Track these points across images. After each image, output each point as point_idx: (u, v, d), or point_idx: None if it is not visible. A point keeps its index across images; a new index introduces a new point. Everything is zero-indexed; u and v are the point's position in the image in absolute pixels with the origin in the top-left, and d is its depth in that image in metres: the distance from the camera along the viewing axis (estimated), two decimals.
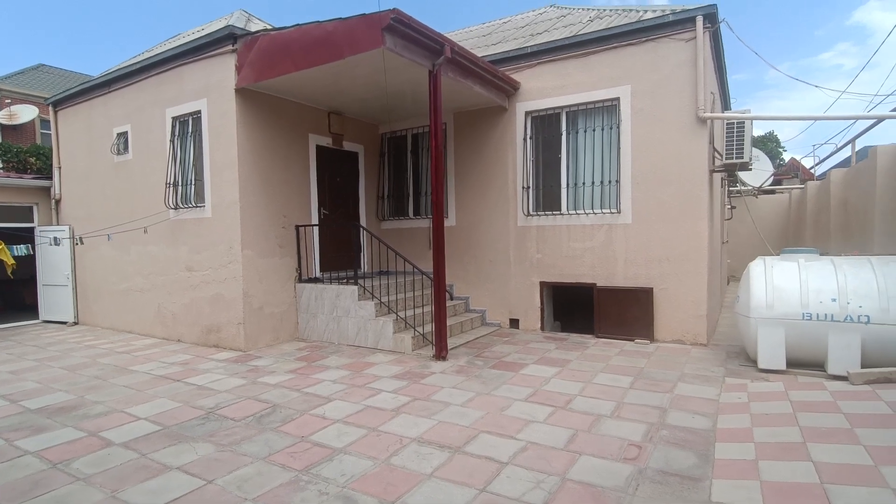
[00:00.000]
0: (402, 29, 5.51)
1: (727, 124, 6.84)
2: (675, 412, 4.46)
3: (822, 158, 15.16)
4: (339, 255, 8.37)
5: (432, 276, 6.41)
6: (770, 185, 16.43)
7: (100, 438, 4.11)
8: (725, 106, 10.28)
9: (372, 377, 5.65)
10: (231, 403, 4.89)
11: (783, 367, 5.42)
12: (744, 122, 6.71)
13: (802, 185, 13.91)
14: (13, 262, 8.31)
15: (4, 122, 15.27)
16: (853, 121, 10.03)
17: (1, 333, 8.97)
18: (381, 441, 3.96)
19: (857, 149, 10.54)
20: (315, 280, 7.83)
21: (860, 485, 2.97)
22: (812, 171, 17.40)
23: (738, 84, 65.94)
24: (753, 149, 13.64)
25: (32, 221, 10.13)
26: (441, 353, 6.29)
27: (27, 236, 9.63)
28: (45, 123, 15.69)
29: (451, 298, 8.51)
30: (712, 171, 7.19)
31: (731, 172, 7.98)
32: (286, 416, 4.53)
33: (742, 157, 6.74)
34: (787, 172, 18.86)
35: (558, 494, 3.12)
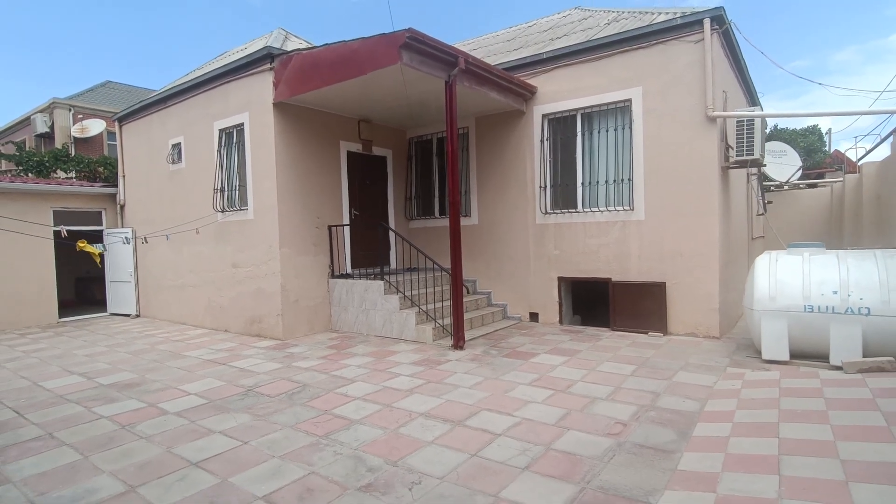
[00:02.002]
0: (417, 45, 6.03)
1: (738, 122, 7.00)
2: (667, 396, 4.78)
3: (867, 150, 14.62)
4: (369, 252, 8.99)
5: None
6: (813, 179, 16.02)
7: (158, 408, 4.85)
8: (751, 101, 10.27)
9: (393, 363, 6.21)
10: (267, 383, 5.55)
11: (786, 357, 5.61)
12: (753, 120, 6.86)
13: (842, 179, 13.54)
14: (98, 253, 9.34)
15: (77, 135, 16.83)
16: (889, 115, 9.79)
17: (77, 324, 10.13)
18: (392, 415, 4.50)
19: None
20: (346, 276, 8.48)
21: (812, 456, 3.26)
22: (857, 163, 16.77)
23: (801, 71, 62.92)
24: (780, 143, 13.45)
25: (101, 224, 11.30)
26: (458, 342, 6.78)
27: (97, 238, 10.78)
28: (111, 135, 17.19)
29: (470, 293, 8.98)
30: (725, 168, 7.35)
31: (746, 168, 8.06)
32: (314, 393, 5.15)
33: (753, 154, 6.89)
34: (831, 165, 18.22)
35: (540, 460, 3.56)
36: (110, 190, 11.34)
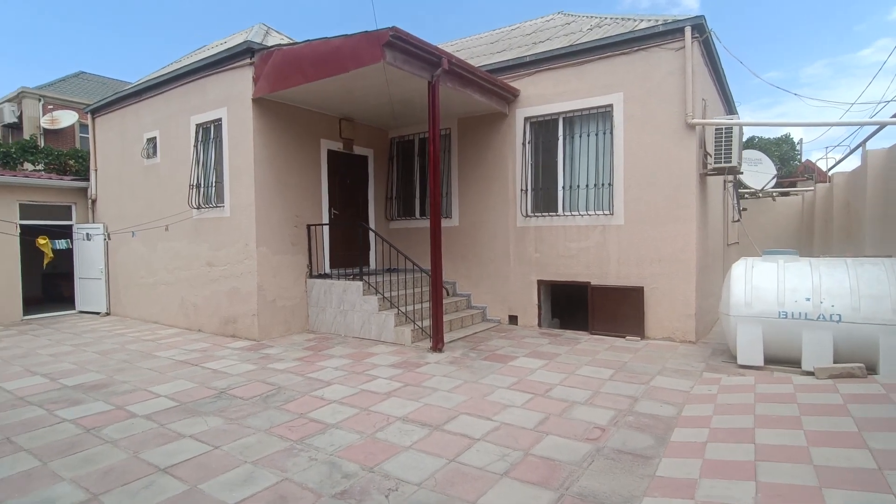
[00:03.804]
0: (400, 44, 5.96)
1: (716, 130, 7.10)
2: (645, 401, 4.80)
3: (837, 161, 15.06)
4: (349, 252, 8.88)
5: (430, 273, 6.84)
6: (785, 188, 16.41)
7: (125, 411, 4.67)
8: (729, 109, 10.45)
9: (371, 365, 6.12)
10: (241, 385, 5.41)
11: (761, 363, 5.69)
12: (731, 128, 6.96)
13: (813, 188, 13.90)
14: (52, 255, 9.10)
15: (47, 126, 16.29)
16: (858, 126, 10.07)
17: (42, 322, 9.76)
18: (370, 419, 4.41)
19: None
20: (325, 276, 8.35)
21: (787, 462, 3.30)
22: (827, 173, 17.26)
23: (774, 81, 64.62)
24: (756, 152, 13.75)
25: (71, 219, 10.93)
26: (437, 345, 6.73)
27: (66, 233, 10.43)
28: (83, 128, 16.69)
29: (450, 295, 8.94)
30: (703, 175, 7.45)
31: (723, 175, 8.19)
32: (289, 396, 5.03)
33: (730, 161, 6.99)
34: (803, 174, 18.70)
35: (518, 466, 3.52)
36: (81, 184, 10.99)
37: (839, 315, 5.31)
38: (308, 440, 3.98)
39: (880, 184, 7.97)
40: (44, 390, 5.36)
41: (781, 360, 5.72)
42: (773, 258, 6.02)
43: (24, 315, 10.01)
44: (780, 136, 23.58)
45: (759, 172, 11.07)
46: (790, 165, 21.59)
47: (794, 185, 16.55)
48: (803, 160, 19.71)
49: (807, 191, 14.68)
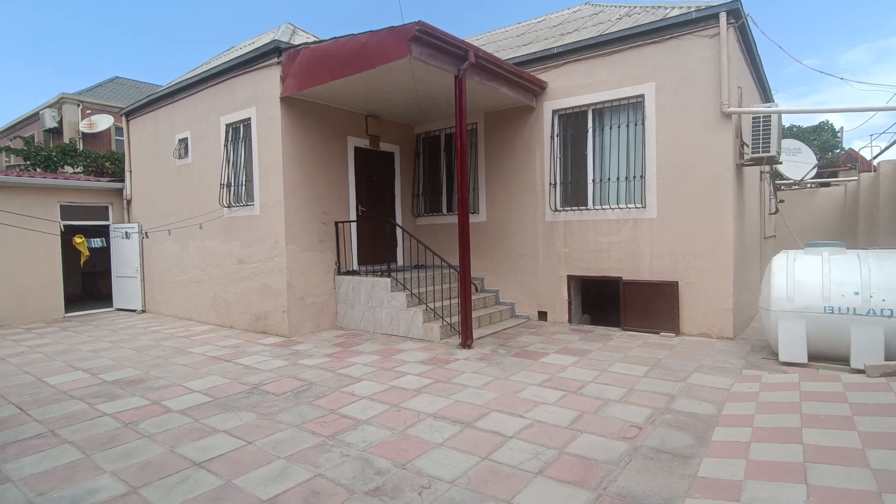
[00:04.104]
0: (426, 39, 5.90)
1: (753, 118, 6.83)
2: (682, 399, 4.65)
3: (882, 149, 14.39)
4: (376, 249, 8.89)
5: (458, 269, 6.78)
6: (826, 178, 15.76)
7: (161, 406, 4.76)
8: (765, 98, 10.07)
9: (400, 362, 6.10)
10: (273, 381, 5.46)
11: (804, 360, 5.45)
12: (770, 116, 6.69)
13: (856, 178, 13.30)
14: (88, 253, 9.39)
15: (85, 130, 16.82)
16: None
17: (82, 319, 10.08)
18: (400, 415, 4.39)
19: None
20: (353, 273, 8.38)
21: (840, 464, 3.13)
22: (871, 162, 16.51)
23: (807, 70, 62.38)
24: (795, 141, 13.23)
25: (108, 219, 11.25)
26: (466, 341, 6.67)
27: (103, 232, 10.75)
28: (118, 131, 17.17)
29: (477, 291, 8.86)
30: (740, 165, 7.19)
31: (761, 166, 7.90)
32: (320, 392, 5.05)
33: (769, 151, 6.72)
34: (845, 163, 17.94)
35: (553, 464, 3.44)
36: (117, 185, 11.29)
37: (891, 310, 5.04)
38: (339, 436, 3.97)
39: None
40: (85, 385, 5.51)
41: (827, 356, 5.47)
42: (818, 251, 5.76)
43: (66, 312, 10.36)
44: (818, 123, 22.59)
45: (798, 162, 10.63)
46: (830, 155, 20.72)
47: (835, 174, 15.88)
48: (845, 149, 18.89)
49: (850, 181, 14.06)
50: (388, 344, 7.05)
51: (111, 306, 11.26)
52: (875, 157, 16.42)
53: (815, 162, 12.98)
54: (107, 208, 11.28)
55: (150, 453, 3.74)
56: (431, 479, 3.26)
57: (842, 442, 3.43)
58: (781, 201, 13.34)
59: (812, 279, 5.47)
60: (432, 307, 7.49)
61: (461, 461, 3.50)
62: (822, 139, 21.24)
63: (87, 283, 13.06)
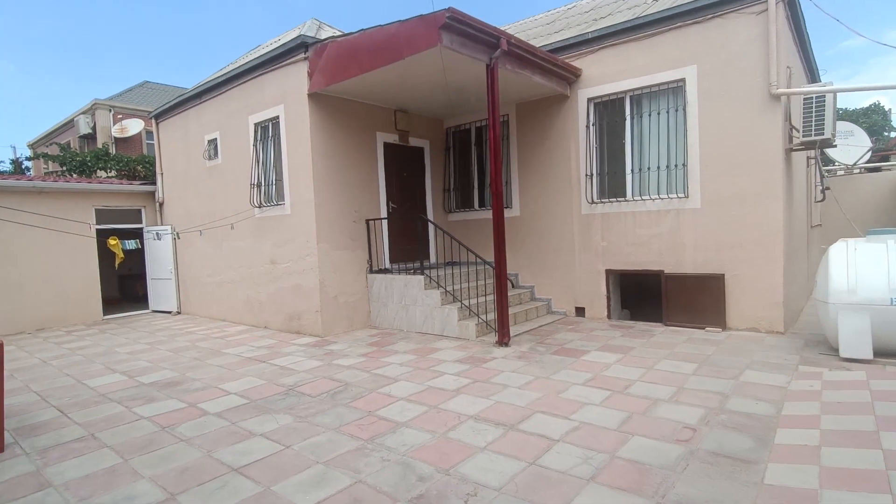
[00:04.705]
0: (457, 26, 5.71)
1: (805, 99, 6.43)
2: (737, 398, 4.37)
3: None
4: (408, 246, 8.76)
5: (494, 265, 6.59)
6: (875, 162, 14.94)
7: (198, 409, 4.72)
8: (812, 78, 9.55)
9: (436, 361, 5.95)
10: (308, 382, 5.38)
11: (869, 356, 5.09)
12: (824, 96, 6.28)
13: None
14: (123, 256, 9.54)
15: (117, 135, 17.21)
16: None
17: (120, 321, 10.26)
18: (440, 417, 4.23)
19: None
20: (385, 271, 8.27)
21: None
22: None
23: (850, 51, 59.74)
24: (847, 123, 12.54)
25: (141, 222, 11.43)
26: (503, 339, 6.47)
27: (137, 234, 10.93)
28: (149, 135, 17.52)
29: (513, 287, 8.64)
30: (789, 150, 6.79)
31: (811, 149, 7.45)
32: (356, 393, 4.93)
33: (822, 134, 6.31)
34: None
35: (605, 469, 3.23)
36: (149, 188, 11.45)
37: None
38: (379, 439, 3.84)
39: None
40: (122, 387, 5.52)
41: (894, 352, 5.09)
42: (881, 238, 5.37)
43: (104, 315, 10.56)
44: (868, 105, 21.42)
45: (850, 146, 10.01)
46: (882, 137, 19.62)
47: (886, 159, 15.03)
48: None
49: None
50: (423, 343, 6.91)
51: (147, 308, 11.45)
52: None
53: (870, 145, 12.27)
54: (140, 211, 11.46)
55: (188, 458, 3.67)
56: (477, 485, 3.10)
57: None
58: (827, 188, 12.69)
59: (876, 269, 5.10)
60: (467, 304, 7.31)
61: (507, 466, 3.33)
62: (871, 121, 20.15)
63: (124, 286, 13.34)
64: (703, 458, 3.31)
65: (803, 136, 6.52)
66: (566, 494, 2.96)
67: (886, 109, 20.39)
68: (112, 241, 8.95)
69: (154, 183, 11.53)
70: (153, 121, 11.43)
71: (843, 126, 11.85)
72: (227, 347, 7.27)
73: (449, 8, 5.53)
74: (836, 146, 7.17)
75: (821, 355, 5.49)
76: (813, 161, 9.85)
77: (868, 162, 13.37)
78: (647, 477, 3.12)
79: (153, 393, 5.27)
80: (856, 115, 20.53)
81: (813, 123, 6.38)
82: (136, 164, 13.70)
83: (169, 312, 11.00)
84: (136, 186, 11.37)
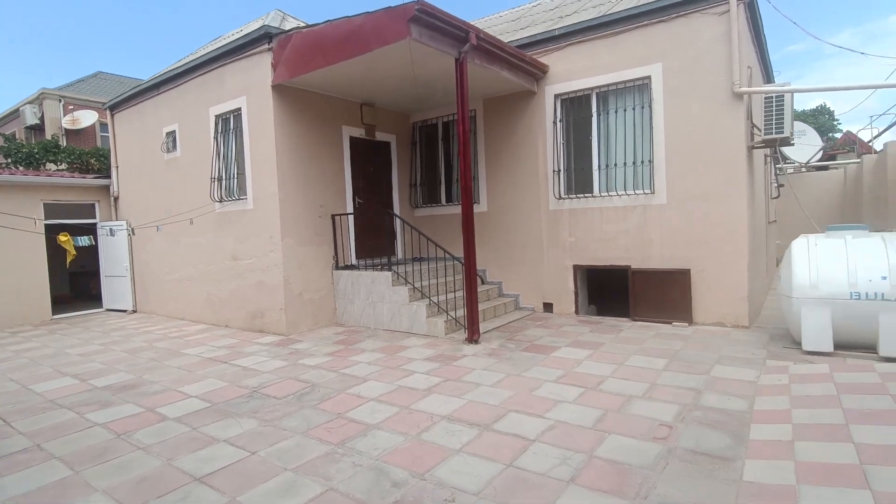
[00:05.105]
0: (426, 19, 5.58)
1: (766, 98, 6.59)
2: (709, 394, 4.41)
3: (881, 130, 14.24)
4: (374, 242, 8.58)
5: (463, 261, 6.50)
6: (823, 161, 15.60)
7: (156, 413, 4.46)
8: (767, 79, 9.85)
9: (405, 359, 5.83)
10: (273, 383, 5.17)
11: (830, 348, 5.24)
12: (783, 96, 6.45)
13: (859, 160, 13.14)
14: (75, 252, 9.04)
15: (68, 126, 16.31)
16: None
17: (71, 321, 9.71)
18: (412, 418, 4.12)
19: None
20: (351, 267, 8.08)
21: None
22: (870, 144, 16.38)
23: (795, 54, 62.42)
24: (799, 123, 13.02)
25: (94, 217, 10.84)
26: (473, 336, 6.40)
27: (90, 230, 10.35)
28: (103, 127, 16.69)
29: (484, 283, 8.60)
30: (751, 148, 6.95)
31: (772, 148, 7.66)
32: (324, 394, 4.77)
33: (782, 132, 6.49)
34: (843, 146, 17.80)
35: (584, 471, 3.19)
36: (103, 182, 10.87)
37: None
38: (349, 443, 3.70)
39: None
40: (73, 392, 5.19)
41: (853, 345, 5.26)
42: (840, 234, 5.54)
43: (54, 314, 9.98)
44: (816, 106, 22.47)
45: (803, 145, 10.43)
46: (829, 137, 20.59)
47: (833, 158, 15.72)
48: (841, 132, 18.76)
49: (850, 163, 13.90)
50: (391, 340, 6.77)
51: (101, 307, 10.89)
52: (873, 139, 16.31)
53: (822, 144, 12.77)
54: (94, 206, 10.88)
55: (146, 467, 3.45)
56: (454, 490, 3.00)
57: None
58: (782, 185, 13.16)
59: (836, 264, 5.25)
60: (435, 301, 7.21)
61: (484, 469, 3.24)
62: (819, 122, 21.13)
63: (77, 284, 12.65)
64: (682, 457, 3.31)
65: (764, 135, 6.68)
66: (547, 498, 2.90)
67: (832, 111, 21.54)
68: (63, 238, 8.44)
69: (109, 177, 10.95)
70: (108, 112, 10.85)
71: (796, 126, 12.29)
72: (186, 347, 6.95)
73: (418, 0, 5.39)
74: (793, 144, 7.40)
75: (785, 349, 5.63)
76: (769, 159, 10.17)
77: (819, 160, 13.93)
78: (627, 477, 3.08)
79: (107, 397, 4.96)
80: (804, 116, 21.47)
81: (773, 122, 6.54)
82: (90, 157, 13.00)
83: (124, 311, 10.49)
84: (90, 180, 10.78)
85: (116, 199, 10.80)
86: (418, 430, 3.87)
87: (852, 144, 16.75)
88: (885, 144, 10.53)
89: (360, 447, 3.63)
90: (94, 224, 10.71)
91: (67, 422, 4.37)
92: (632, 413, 4.05)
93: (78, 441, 3.94)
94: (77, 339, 8.00)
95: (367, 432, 3.88)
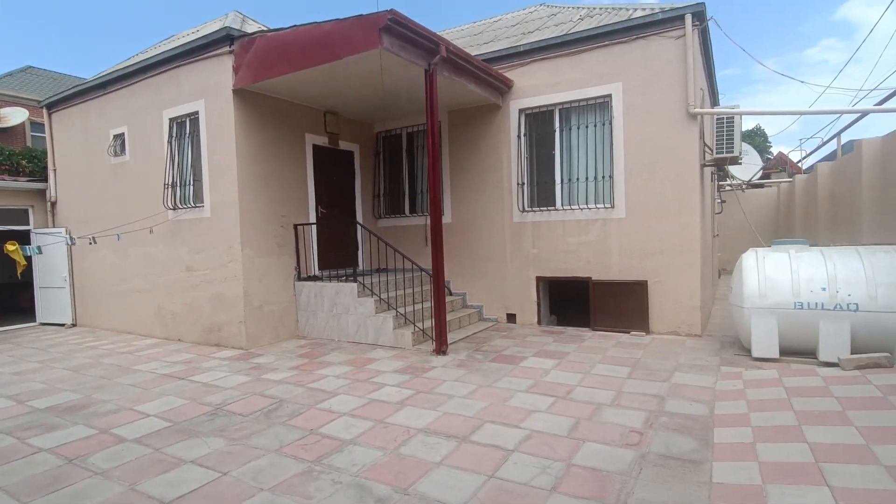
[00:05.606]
0: (398, 29, 5.59)
1: (717, 119, 7.00)
2: (673, 400, 4.59)
3: (809, 152, 15.46)
4: (338, 253, 8.44)
5: (431, 272, 6.50)
6: (759, 179, 16.72)
7: (112, 435, 4.18)
8: (714, 101, 10.47)
9: (374, 372, 5.75)
10: (237, 399, 4.97)
11: (776, 355, 5.58)
12: (733, 117, 6.87)
13: (791, 179, 14.15)
14: (25, 262, 8.39)
15: None
16: (838, 115, 10.25)
17: (0, 336, 8.97)
18: (388, 432, 4.06)
19: (842, 143, 10.76)
20: (314, 278, 7.90)
21: (853, 462, 3.11)
22: (799, 164, 17.70)
23: (726, 79, 66.63)
24: (744, 143, 13.91)
25: (28, 224, 10.11)
26: (441, 347, 6.40)
27: (24, 239, 9.62)
28: (35, 126, 15.62)
29: (449, 294, 8.62)
30: (703, 166, 7.35)
31: (720, 166, 8.14)
32: (293, 410, 4.62)
33: (732, 152, 6.91)
34: (775, 166, 19.15)
35: (565, 479, 3.24)
36: (38, 185, 10.17)
37: (856, 304, 5.23)
38: (326, 460, 3.60)
39: (876, 172, 8.04)
40: (11, 415, 4.79)
41: (796, 351, 5.62)
42: (784, 248, 5.93)
43: None
44: (752, 128, 24.13)
45: (745, 164, 11.20)
46: (762, 157, 22.14)
47: (768, 176, 16.88)
48: (773, 153, 20.18)
49: (782, 182, 14.95)
50: (358, 353, 6.66)
51: (34, 321, 10.12)
52: (802, 160, 17.62)
53: (762, 164, 13.68)
54: (27, 211, 10.15)
55: (107, 494, 3.22)
56: None
57: (844, 438, 3.44)
58: (723, 201, 13.97)
59: (782, 276, 5.61)
60: (402, 312, 7.16)
61: (467, 481, 3.24)
62: (755, 143, 22.68)
63: (3, 296, 11.72)
64: (655, 462, 3.42)
65: (716, 153, 7.09)
66: None
67: (766, 132, 23.28)
68: (10, 247, 7.77)
69: (45, 180, 10.26)
70: (44, 111, 10.17)
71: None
72: (137, 363, 6.57)
73: (391, 10, 5.40)
74: (741, 163, 7.88)
75: (736, 356, 5.94)
76: (715, 176, 10.78)
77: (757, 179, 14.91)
78: (606, 484, 3.16)
79: (52, 420, 4.61)
80: (743, 137, 23.01)
81: (724, 142, 6.96)
82: (21, 158, 12.09)
83: (62, 325, 9.80)
84: (22, 183, 10.05)
85: (54, 203, 10.12)
86: (396, 444, 3.82)
87: (784, 164, 18.02)
88: (815, 165, 11.39)
89: (338, 464, 3.54)
90: (28, 231, 9.98)
91: (7, 448, 4.02)
92: (603, 420, 4.16)
93: (22, 470, 3.63)
94: (8, 356, 7.40)
95: (344, 448, 3.79)
